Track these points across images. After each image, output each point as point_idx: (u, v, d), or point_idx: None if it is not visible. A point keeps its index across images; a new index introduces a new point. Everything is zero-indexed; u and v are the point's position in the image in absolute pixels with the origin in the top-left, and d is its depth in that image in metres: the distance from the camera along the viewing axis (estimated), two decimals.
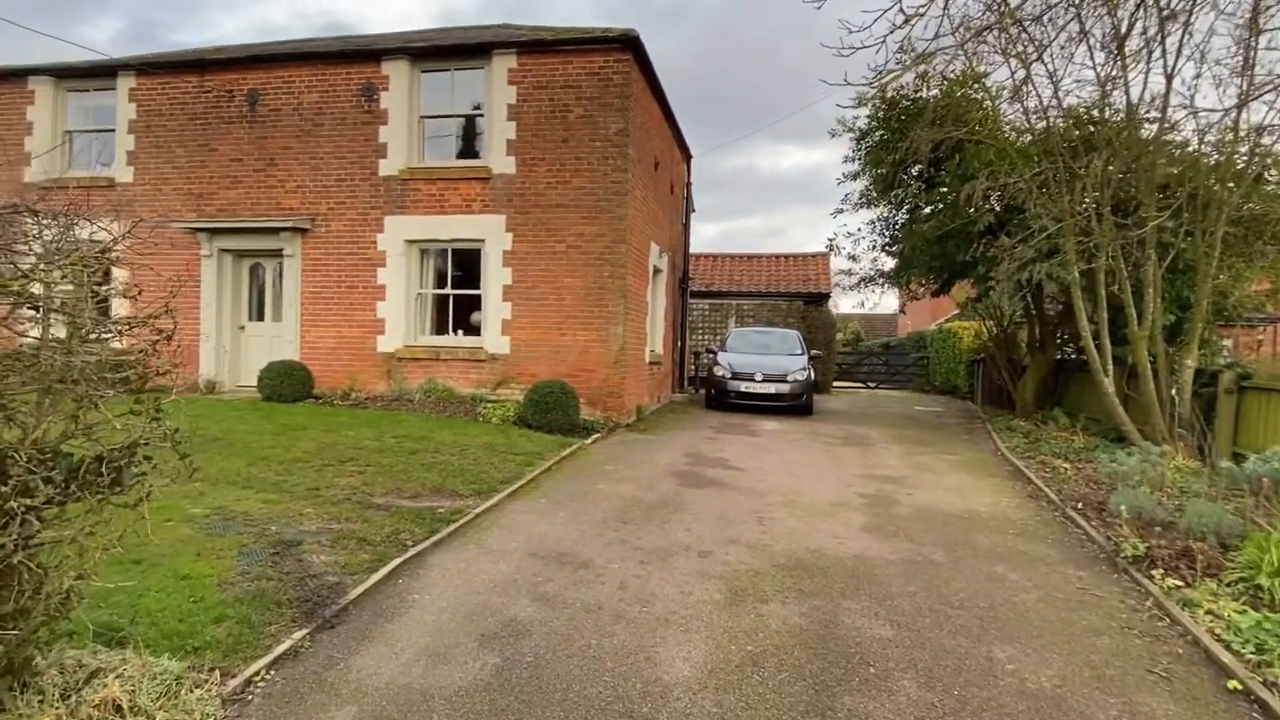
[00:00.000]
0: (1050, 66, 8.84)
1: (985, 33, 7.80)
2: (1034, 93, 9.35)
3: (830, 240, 17.46)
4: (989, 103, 10.91)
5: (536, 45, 10.83)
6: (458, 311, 11.57)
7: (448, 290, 11.57)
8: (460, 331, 11.54)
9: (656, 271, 13.70)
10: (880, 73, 6.94)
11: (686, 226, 17.27)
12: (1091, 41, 8.39)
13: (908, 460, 9.13)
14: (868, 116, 13.07)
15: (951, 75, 10.56)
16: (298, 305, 11.66)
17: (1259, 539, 4.60)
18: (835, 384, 21.89)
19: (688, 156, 16.82)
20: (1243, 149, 8.45)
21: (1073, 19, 8.01)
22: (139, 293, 2.92)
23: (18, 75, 12.52)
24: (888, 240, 14.70)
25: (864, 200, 14.14)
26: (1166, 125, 8.62)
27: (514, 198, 10.94)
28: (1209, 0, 7.47)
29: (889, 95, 11.62)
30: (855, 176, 14.04)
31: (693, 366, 18.57)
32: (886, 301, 22.23)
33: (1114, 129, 8.97)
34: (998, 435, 11.08)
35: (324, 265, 11.57)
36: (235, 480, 6.28)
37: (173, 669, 3.00)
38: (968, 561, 5.06)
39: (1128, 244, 8.66)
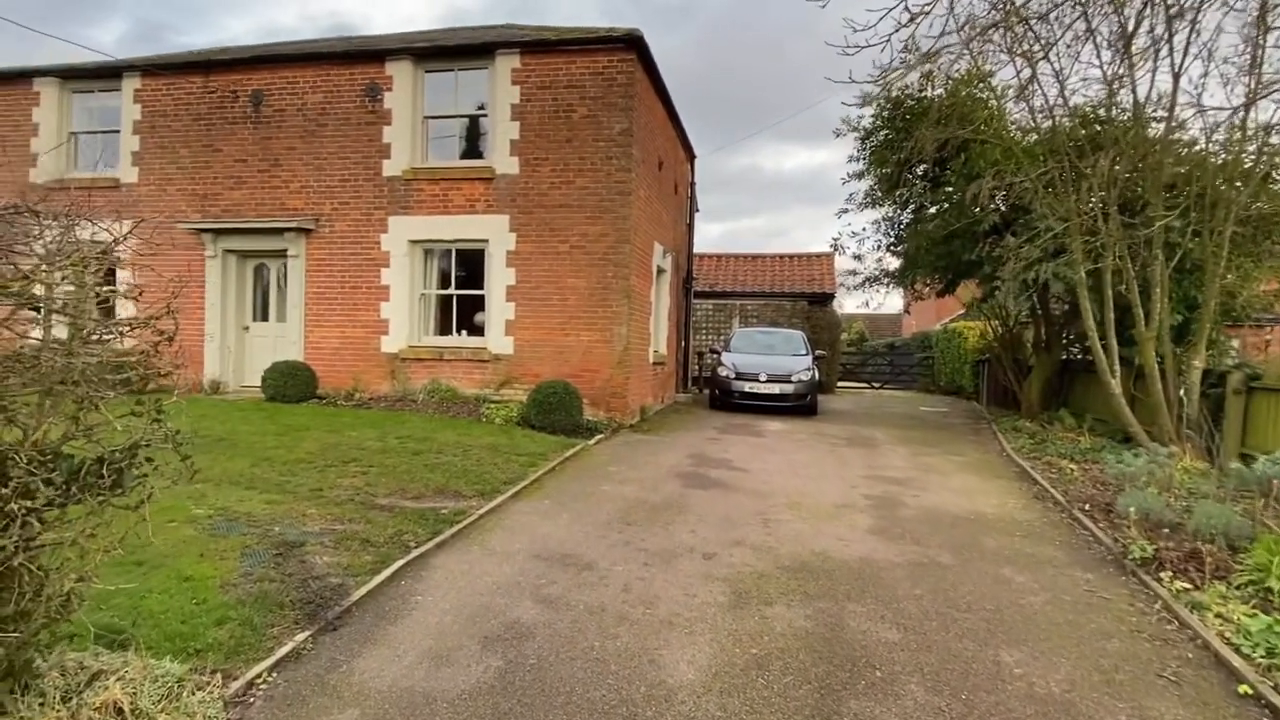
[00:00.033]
0: (1056, 65, 8.81)
1: (991, 30, 7.77)
2: (1040, 92, 9.34)
3: (835, 240, 17.38)
4: (994, 102, 10.86)
5: (540, 45, 10.82)
6: (461, 312, 11.56)
7: (451, 290, 11.57)
8: (464, 332, 11.53)
9: (660, 271, 13.68)
10: (885, 70, 6.91)
11: (690, 226, 17.24)
12: (1098, 40, 8.36)
13: (913, 461, 9.08)
14: (872, 116, 13.03)
15: (957, 75, 10.52)
16: (302, 306, 11.67)
17: (1269, 541, 4.56)
18: (840, 384, 21.84)
19: (691, 156, 16.79)
20: (1251, 148, 8.40)
21: (1079, 17, 7.98)
22: (140, 293, 2.90)
23: (23, 76, 12.55)
24: (893, 240, 14.67)
25: (869, 200, 14.10)
26: (1174, 124, 8.57)
27: (517, 198, 10.93)
28: None
29: (894, 95, 11.57)
30: (860, 176, 14.01)
31: (696, 367, 18.54)
32: (891, 301, 22.24)
33: (1121, 128, 8.92)
34: (1003, 436, 11.02)
35: (328, 266, 11.57)
36: (239, 481, 6.28)
37: (174, 671, 2.98)
38: (975, 564, 5.03)
39: (1135, 244, 8.61)
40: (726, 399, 14.01)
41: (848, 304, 25.84)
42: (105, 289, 3.22)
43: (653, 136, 12.21)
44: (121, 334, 2.77)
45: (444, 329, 11.63)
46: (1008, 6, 7.65)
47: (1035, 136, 10.40)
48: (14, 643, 2.56)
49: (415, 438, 8.34)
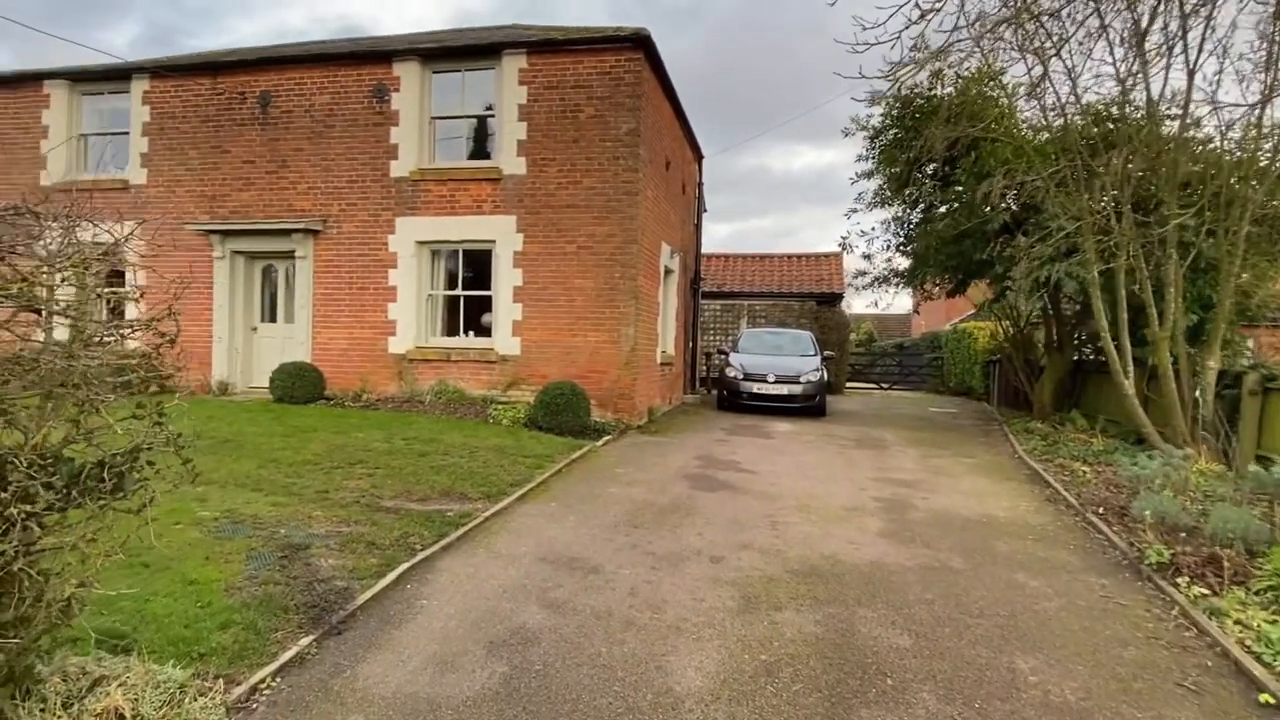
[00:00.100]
0: (1069, 62, 8.72)
1: (1001, 26, 7.68)
2: (1051, 90, 9.21)
3: (843, 239, 17.31)
4: (1005, 100, 10.77)
5: (547, 45, 10.79)
6: (469, 313, 11.54)
7: (458, 291, 11.55)
8: (471, 333, 11.52)
9: (668, 272, 13.63)
10: (896, 66, 6.84)
11: (698, 227, 17.18)
12: (1111, 36, 8.25)
13: (923, 463, 9.00)
14: (881, 115, 12.96)
15: (967, 73, 10.44)
16: (309, 307, 11.68)
17: None
18: (848, 385, 21.71)
19: (699, 156, 16.73)
20: (1267, 145, 8.28)
21: (1092, 13, 7.89)
22: (141, 295, 2.87)
23: (33, 79, 12.62)
24: (902, 240, 14.57)
25: (878, 199, 14.01)
26: (1189, 122, 8.46)
27: (525, 198, 10.90)
28: None
29: (903, 93, 11.48)
30: (869, 176, 13.93)
31: (704, 367, 18.47)
32: (900, 302, 22.04)
33: (1134, 126, 8.81)
34: (1015, 437, 10.91)
35: (336, 267, 11.57)
36: (245, 483, 6.26)
37: (176, 677, 2.95)
38: (987, 568, 4.95)
39: (1148, 243, 8.50)
40: (734, 400, 13.94)
41: (856, 304, 25.73)
42: (107, 290, 3.20)
43: (660, 136, 12.17)
44: (123, 336, 2.74)
45: (451, 330, 11.61)
46: (1019, 3, 7.56)
47: (1047, 135, 10.30)
48: (14, 649, 2.53)
49: (422, 439, 8.32)
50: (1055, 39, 8.22)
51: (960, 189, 11.88)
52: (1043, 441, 10.03)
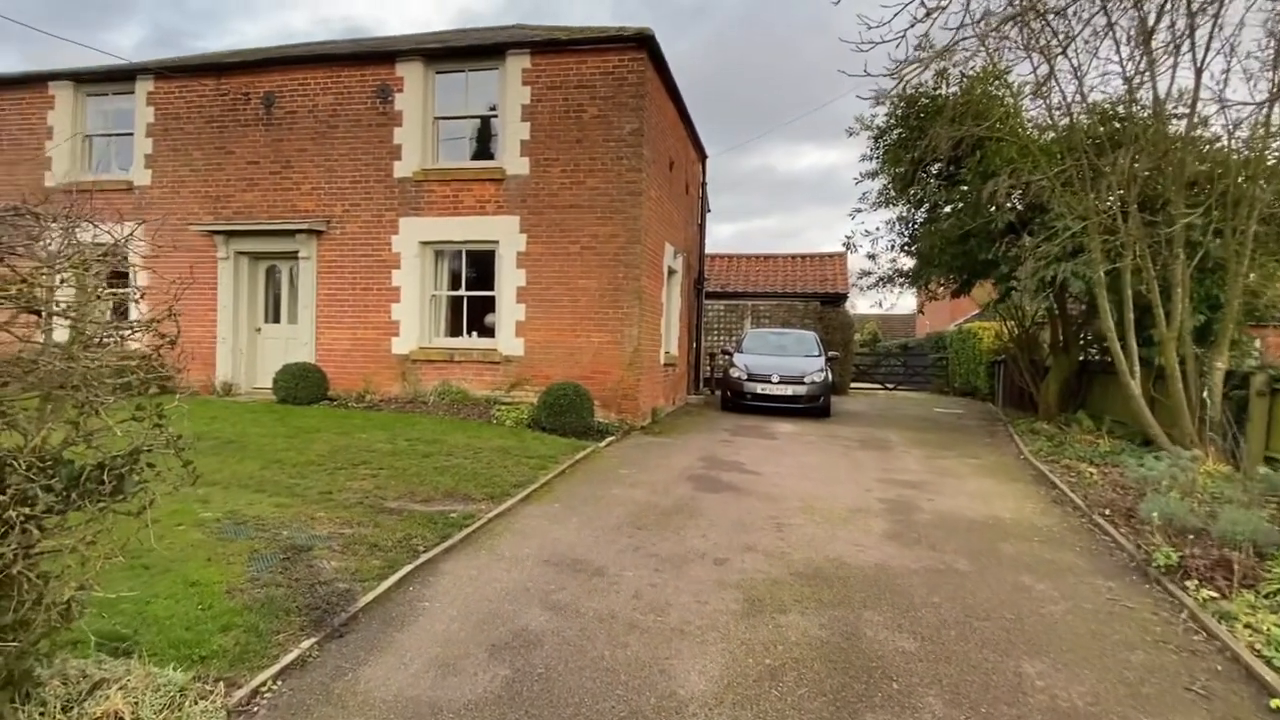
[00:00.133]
0: (1074, 61, 8.66)
1: (1007, 24, 7.63)
2: (1057, 88, 9.17)
3: (847, 238, 17.22)
4: (1010, 99, 10.71)
5: (550, 45, 10.77)
6: (472, 313, 11.53)
7: (462, 292, 11.54)
8: (474, 333, 11.50)
9: (671, 272, 13.60)
10: (901, 64, 6.80)
11: (702, 227, 17.15)
12: (1118, 35, 8.20)
13: (928, 464, 8.95)
14: (886, 115, 12.92)
15: (972, 72, 10.39)
16: (313, 307, 11.68)
17: None
18: (853, 385, 21.66)
19: (703, 156, 16.69)
20: (1275, 144, 8.22)
21: (1098, 12, 7.83)
22: (142, 295, 2.86)
23: (38, 80, 12.65)
24: (907, 240, 14.53)
25: (882, 199, 13.97)
26: (1196, 121, 8.40)
27: (528, 198, 10.89)
28: None
29: (908, 92, 11.44)
30: (873, 175, 13.89)
31: (708, 368, 18.43)
32: (904, 302, 22.04)
33: (1141, 125, 8.75)
34: (1020, 438, 10.86)
35: (339, 267, 11.57)
36: (248, 484, 6.25)
37: (177, 680, 2.94)
38: (993, 571, 4.92)
39: (1155, 242, 8.45)
40: (738, 400, 13.91)
41: (860, 304, 25.58)
42: (108, 292, 3.18)
43: (664, 136, 12.14)
44: (122, 338, 2.72)
45: (455, 330, 11.60)
46: (1025, 1, 7.51)
47: (1052, 134, 10.24)
48: (13, 652, 2.52)
49: (425, 440, 8.30)
50: (1062, 37, 8.18)
51: (965, 189, 11.83)
52: (1048, 442, 9.97)
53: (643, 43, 10.50)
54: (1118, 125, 9.62)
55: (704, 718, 3.00)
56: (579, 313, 10.77)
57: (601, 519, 5.93)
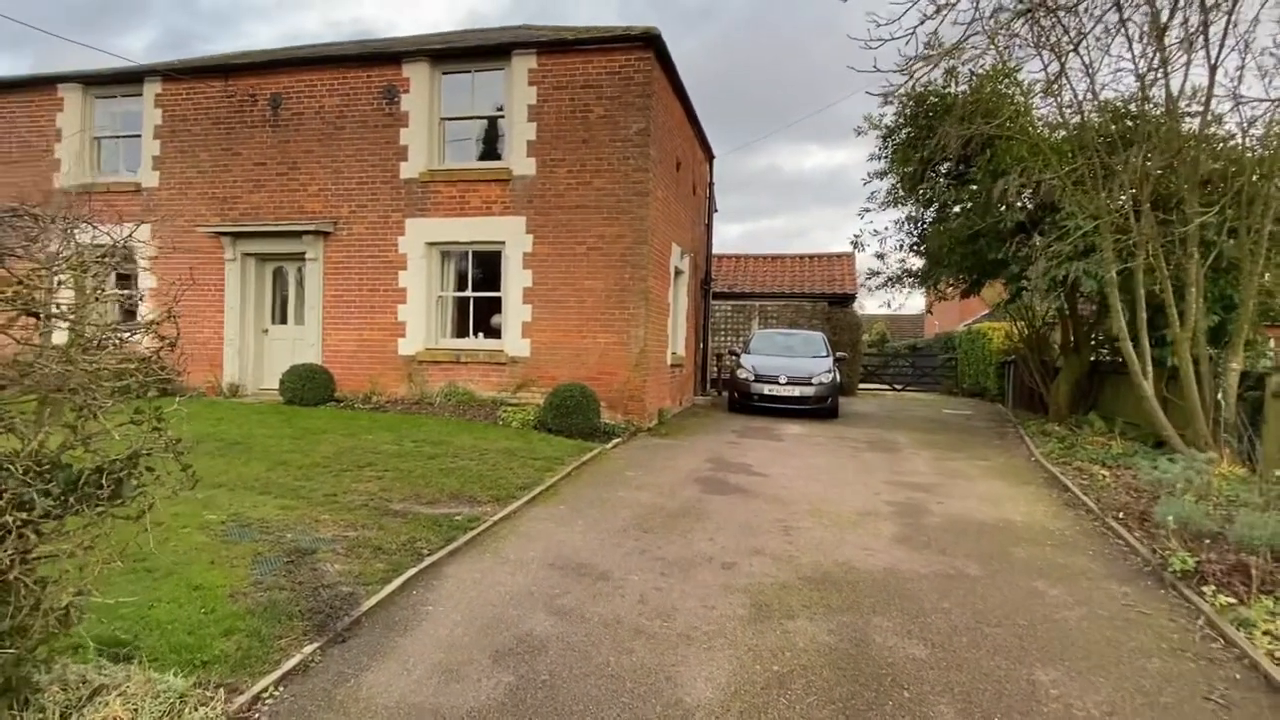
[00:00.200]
0: (1086, 59, 8.56)
1: (1019, 20, 7.54)
2: (1069, 86, 9.06)
3: (855, 237, 17.15)
4: (1020, 97, 10.61)
5: (557, 45, 10.73)
6: (478, 314, 11.50)
7: (468, 293, 11.52)
8: (481, 334, 11.48)
9: (678, 273, 13.54)
10: (911, 61, 6.72)
11: (709, 227, 17.09)
12: (1130, 31, 8.10)
13: (938, 466, 8.87)
14: (894, 114, 12.85)
15: (981, 71, 10.30)
16: (320, 308, 11.68)
17: None
18: (861, 386, 21.53)
19: (710, 156, 16.63)
20: None
21: (1110, 8, 7.72)
22: (141, 298, 2.82)
23: (47, 82, 12.71)
24: (915, 239, 14.43)
25: (890, 199, 13.89)
26: (1210, 118, 8.29)
27: (534, 199, 10.85)
28: None
29: (917, 91, 11.35)
30: (882, 175, 13.81)
31: (715, 369, 18.36)
32: (913, 302, 21.92)
33: (1154, 123, 8.65)
34: (1031, 440, 10.76)
35: (345, 268, 11.57)
36: (253, 485, 6.24)
37: (177, 686, 2.90)
38: (1004, 575, 4.84)
39: (1168, 242, 8.34)
40: (745, 402, 13.83)
41: (869, 304, 25.51)
42: (112, 293, 3.15)
43: (670, 136, 12.09)
44: (121, 340, 2.69)
45: (461, 331, 11.58)
46: None
47: (1064, 132, 10.14)
48: (11, 658, 2.49)
49: (431, 441, 8.28)
50: (1073, 34, 8.08)
51: (975, 188, 11.74)
52: (1059, 444, 9.87)
53: (649, 42, 10.45)
54: (1130, 123, 9.52)
55: None
56: (585, 313, 10.73)
57: (607, 522, 5.88)
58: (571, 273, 10.75)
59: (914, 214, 14.14)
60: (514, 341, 10.97)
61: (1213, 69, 7.84)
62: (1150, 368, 8.60)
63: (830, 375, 13.66)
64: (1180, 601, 4.43)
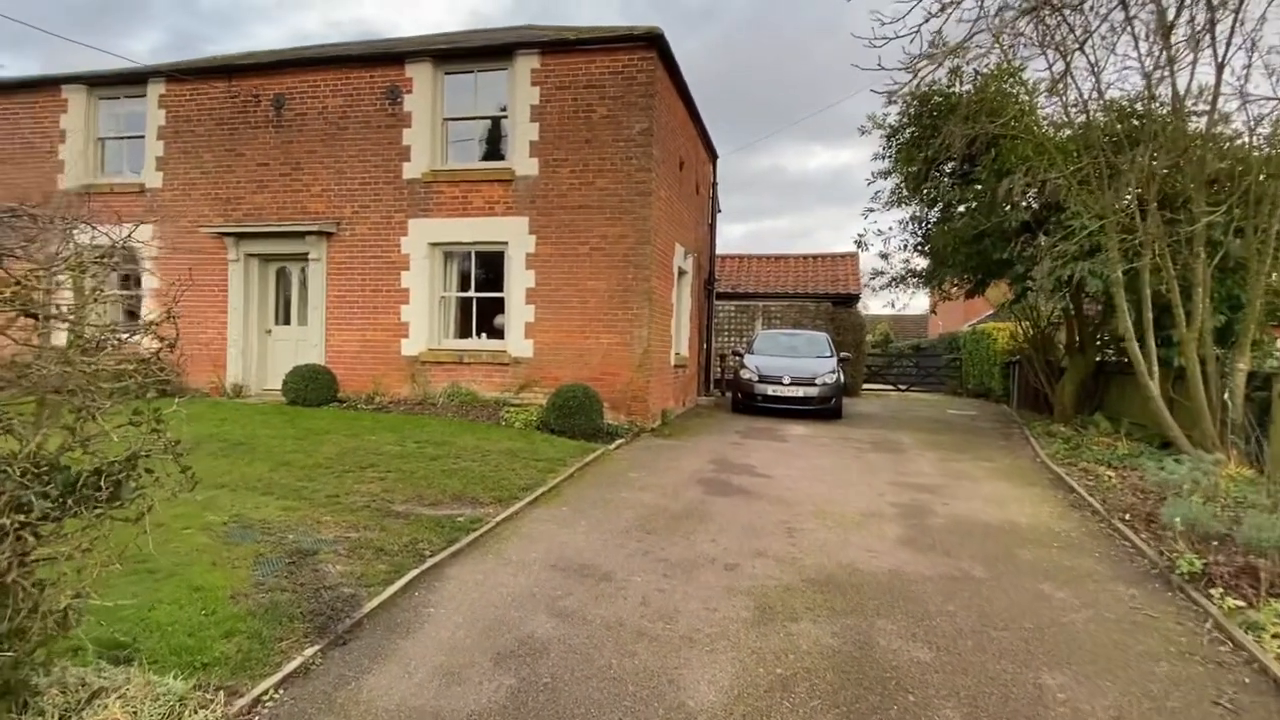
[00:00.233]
0: (1091, 57, 8.51)
1: (1024, 18, 7.50)
2: (1074, 85, 9.01)
3: (859, 236, 17.08)
4: (1025, 97, 10.57)
5: (559, 45, 10.71)
6: (481, 315, 11.49)
7: (471, 293, 11.51)
8: (484, 335, 11.46)
9: (681, 273, 13.51)
10: (915, 59, 6.68)
11: (712, 227, 17.05)
12: (1136, 30, 8.05)
13: (942, 467, 8.83)
14: (899, 113, 12.81)
15: (986, 70, 10.25)
16: (323, 309, 11.67)
17: None
18: (865, 386, 21.47)
19: (713, 156, 16.60)
20: None
21: (1116, 6, 7.68)
22: (138, 300, 2.81)
23: (52, 83, 12.72)
24: (920, 239, 14.38)
25: (895, 199, 13.85)
26: (1217, 117, 8.24)
27: (537, 199, 10.83)
28: None
29: (921, 89, 11.31)
30: (886, 175, 13.77)
31: (719, 369, 18.32)
32: (917, 302, 21.80)
33: (1160, 122, 8.60)
34: (1036, 441, 10.70)
35: (348, 269, 11.56)
36: (256, 486, 6.23)
37: (176, 689, 2.89)
38: (1010, 578, 4.80)
39: (1174, 241, 8.29)
40: (749, 402, 13.80)
41: (872, 305, 25.31)
42: (115, 294, 3.13)
43: (674, 136, 12.06)
44: (119, 341, 2.67)
45: (464, 332, 11.57)
46: None
47: (1069, 131, 10.09)
48: (9, 661, 2.47)
49: (434, 442, 8.26)
50: (1079, 32, 8.04)
51: (980, 187, 11.69)
52: (1065, 445, 9.82)
53: (652, 42, 10.42)
54: (1136, 122, 9.47)
55: None
56: (588, 314, 10.70)
57: (610, 523, 5.85)
58: (574, 273, 10.73)
59: (918, 214, 14.10)
60: (517, 342, 10.95)
61: (1219, 67, 7.79)
62: (1156, 368, 8.55)
63: (834, 376, 13.61)
64: (1188, 604, 4.39)
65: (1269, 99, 7.92)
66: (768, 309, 20.43)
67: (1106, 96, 9.20)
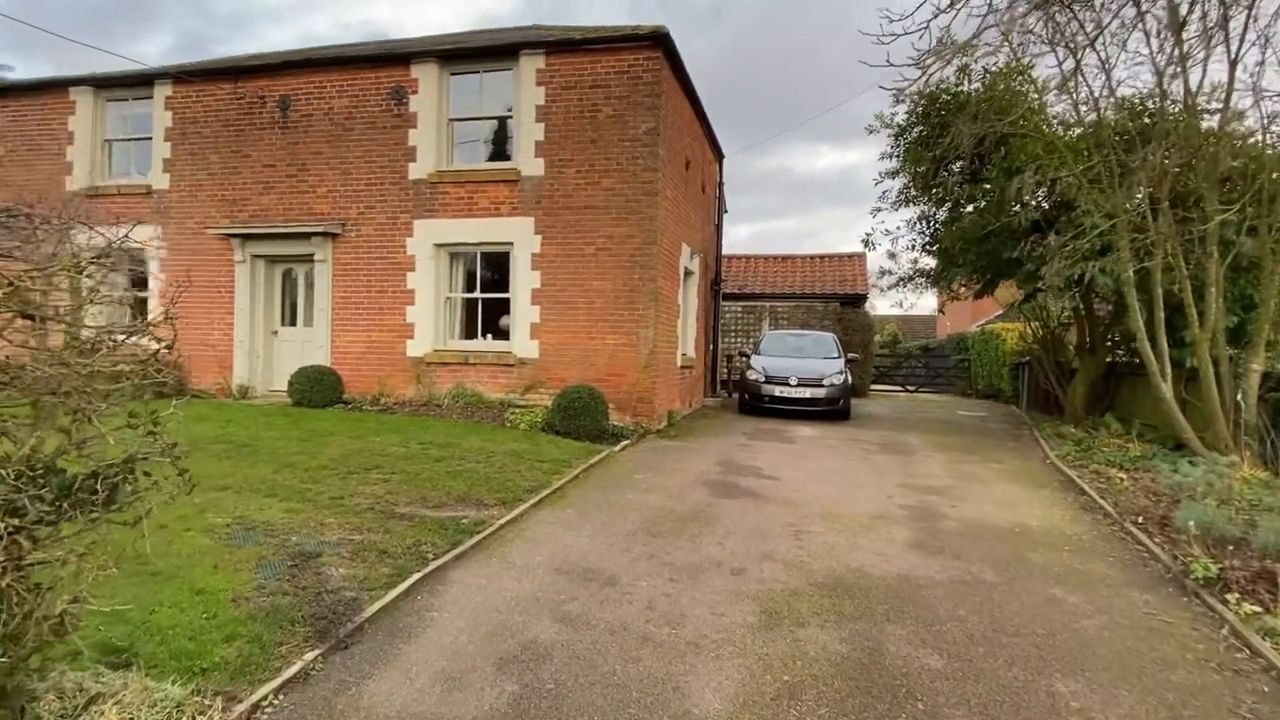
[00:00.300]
0: (1102, 54, 8.41)
1: (1032, 16, 7.42)
2: (1084, 83, 8.92)
3: (867, 235, 16.98)
4: (1035, 95, 10.47)
5: (565, 45, 10.67)
6: (486, 315, 11.46)
7: (476, 294, 11.48)
8: (489, 336, 11.44)
9: (688, 273, 13.45)
10: (924, 55, 6.62)
11: (719, 227, 16.99)
12: (1147, 26, 7.95)
13: (952, 469, 8.74)
14: (907, 112, 12.72)
15: (995, 68, 10.16)
16: (329, 310, 11.67)
17: None
18: (873, 387, 21.37)
19: (720, 156, 16.54)
20: None
21: (1128, 3, 7.59)
22: (135, 301, 2.77)
23: (59, 86, 12.78)
24: (928, 239, 14.29)
25: (903, 198, 13.75)
26: (1230, 115, 8.13)
27: (543, 200, 10.80)
28: None
29: (929, 89, 11.23)
30: (894, 174, 13.68)
31: (725, 370, 18.26)
32: (925, 302, 21.73)
33: (1172, 120, 8.49)
34: (1046, 442, 10.60)
35: (354, 270, 11.56)
36: (259, 488, 6.20)
37: (174, 695, 2.85)
38: (1021, 582, 4.73)
39: (1187, 240, 8.18)
40: (756, 403, 13.72)
41: (880, 305, 25.30)
42: (118, 294, 3.11)
43: (680, 136, 12.01)
44: (116, 343, 2.64)
45: (469, 333, 11.54)
46: None
47: (1079, 130, 9.99)
48: (4, 666, 2.44)
49: (438, 443, 8.23)
50: (1090, 29, 7.95)
51: (989, 186, 11.59)
52: (1075, 446, 9.71)
53: (658, 41, 10.37)
54: (1147, 120, 9.36)
55: None
56: (594, 314, 10.66)
57: (615, 526, 5.80)
58: (580, 273, 10.69)
59: (926, 213, 14.00)
60: (522, 343, 10.92)
61: (1232, 64, 7.68)
62: (1169, 368, 8.44)
63: (842, 376, 13.53)
64: (1203, 610, 4.31)
65: None
66: (774, 309, 20.35)
67: (1118, 94, 9.11)
